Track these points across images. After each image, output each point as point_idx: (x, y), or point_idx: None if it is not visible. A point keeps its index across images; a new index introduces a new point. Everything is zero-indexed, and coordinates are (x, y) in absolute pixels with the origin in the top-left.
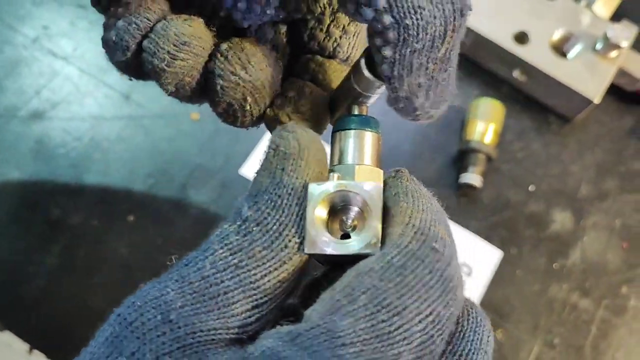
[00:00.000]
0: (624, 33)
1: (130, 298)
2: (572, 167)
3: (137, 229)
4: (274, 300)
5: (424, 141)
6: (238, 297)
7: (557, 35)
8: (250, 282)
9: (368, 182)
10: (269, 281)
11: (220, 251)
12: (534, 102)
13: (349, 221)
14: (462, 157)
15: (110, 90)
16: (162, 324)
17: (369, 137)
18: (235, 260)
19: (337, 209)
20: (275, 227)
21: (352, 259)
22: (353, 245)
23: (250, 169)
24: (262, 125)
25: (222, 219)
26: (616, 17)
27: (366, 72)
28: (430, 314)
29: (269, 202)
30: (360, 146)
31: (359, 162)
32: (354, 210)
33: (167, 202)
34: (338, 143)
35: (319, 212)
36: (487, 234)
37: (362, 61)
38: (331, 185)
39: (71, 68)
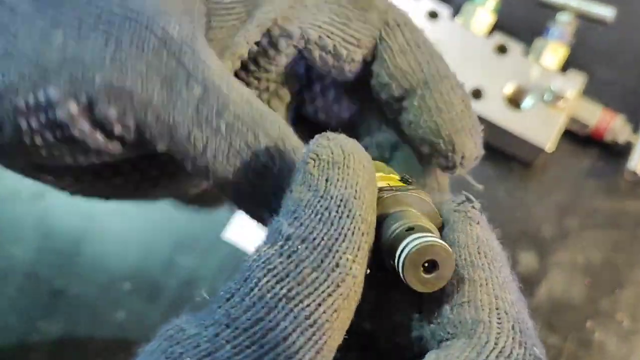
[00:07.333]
0: (567, 84)
1: (174, 348)
2: (535, 210)
3: (133, 295)
4: (334, 336)
5: None
6: (299, 340)
7: (508, 88)
8: (305, 317)
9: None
10: (324, 312)
11: (265, 280)
12: (496, 151)
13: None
14: None
15: None
16: None
17: None
18: (284, 290)
19: None
20: (323, 242)
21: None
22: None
23: (232, 233)
24: None
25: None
26: (566, 66)
27: None
28: None
29: (314, 215)
30: None
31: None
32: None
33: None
34: None
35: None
36: None
37: None
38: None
39: None
